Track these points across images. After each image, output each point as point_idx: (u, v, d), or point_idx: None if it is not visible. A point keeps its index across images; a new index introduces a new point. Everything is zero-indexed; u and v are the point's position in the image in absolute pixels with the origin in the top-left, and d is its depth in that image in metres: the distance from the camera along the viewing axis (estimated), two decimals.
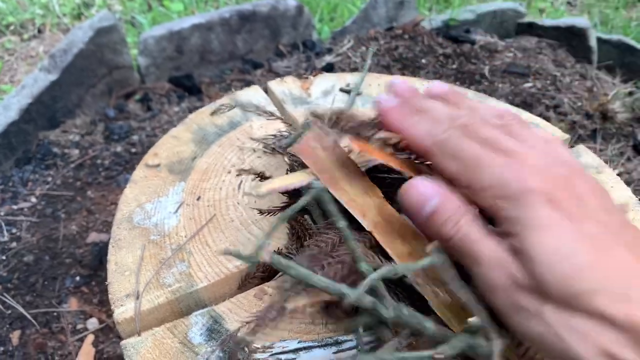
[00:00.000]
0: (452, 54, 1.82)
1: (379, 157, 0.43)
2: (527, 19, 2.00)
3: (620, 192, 0.58)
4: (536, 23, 1.93)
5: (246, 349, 0.44)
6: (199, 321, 0.49)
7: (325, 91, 0.73)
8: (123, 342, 0.48)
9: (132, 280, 0.52)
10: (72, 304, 1.17)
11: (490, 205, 0.35)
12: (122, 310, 0.50)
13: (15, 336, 1.10)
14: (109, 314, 1.15)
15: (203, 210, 0.58)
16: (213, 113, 0.60)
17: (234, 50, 1.72)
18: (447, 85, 0.45)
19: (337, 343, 0.45)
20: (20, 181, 1.33)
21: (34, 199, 1.31)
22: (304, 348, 0.45)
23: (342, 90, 0.72)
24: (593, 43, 1.80)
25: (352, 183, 0.46)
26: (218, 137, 0.67)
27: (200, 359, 0.45)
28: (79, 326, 1.13)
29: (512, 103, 1.56)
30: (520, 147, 0.37)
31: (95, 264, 1.22)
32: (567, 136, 0.65)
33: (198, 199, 0.59)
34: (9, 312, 1.13)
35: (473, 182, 0.36)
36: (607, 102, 1.66)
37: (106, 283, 0.53)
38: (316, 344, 0.45)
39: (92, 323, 1.14)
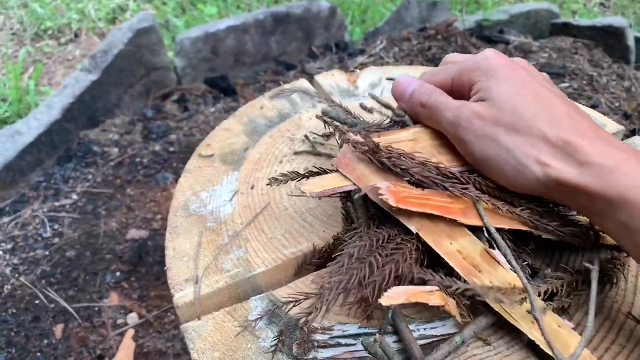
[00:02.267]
0: None
1: (414, 206, 0.45)
2: (561, 20, 1.98)
3: None
4: (571, 23, 1.90)
5: (305, 328, 0.45)
6: (259, 305, 0.49)
7: (372, 84, 0.74)
8: (184, 326, 0.49)
9: (190, 265, 0.53)
10: (113, 299, 1.19)
11: (469, 79, 0.47)
12: (182, 295, 0.51)
13: (58, 330, 1.12)
14: (149, 309, 1.17)
15: (257, 199, 0.59)
16: (273, 96, 0.60)
17: (268, 52, 1.74)
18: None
19: (396, 332, 0.45)
20: (62, 179, 1.36)
21: (75, 196, 1.33)
22: (365, 334, 0.45)
23: (389, 79, 0.72)
24: (631, 42, 1.77)
25: None
26: (269, 128, 0.67)
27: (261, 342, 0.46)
28: (120, 321, 1.15)
29: None
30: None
31: (135, 260, 1.24)
32: (622, 128, 0.64)
33: (252, 187, 0.60)
34: (53, 306, 1.15)
35: (464, 67, 0.48)
36: None
37: (165, 269, 0.54)
38: (376, 330, 0.45)
39: (132, 318, 1.16)
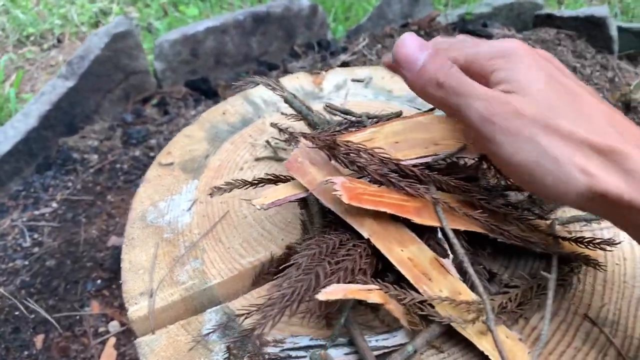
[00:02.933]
0: None
1: (367, 203, 0.43)
2: (544, 11, 1.97)
3: None
4: (554, 14, 1.89)
5: (257, 341, 0.44)
6: (213, 318, 0.48)
7: (337, 85, 0.73)
8: (137, 340, 0.48)
9: (145, 278, 0.52)
10: (94, 307, 1.17)
11: (487, 66, 0.40)
12: (136, 309, 0.50)
13: (39, 340, 1.11)
14: None
15: (216, 208, 0.58)
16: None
17: (248, 52, 1.72)
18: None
19: (350, 344, 0.44)
20: (41, 187, 1.34)
21: (55, 204, 1.32)
22: (316, 346, 0.45)
23: (354, 80, 0.71)
24: (614, 32, 1.76)
25: None
26: (230, 134, 0.66)
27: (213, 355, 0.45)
28: (101, 329, 1.14)
29: None
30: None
31: (116, 267, 1.22)
32: None
33: (211, 196, 0.59)
34: (33, 316, 1.14)
35: (481, 51, 0.41)
36: (629, 92, 1.63)
37: (120, 282, 0.53)
38: (328, 342, 0.44)
39: (114, 326, 1.15)
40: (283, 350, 0.44)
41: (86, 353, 1.10)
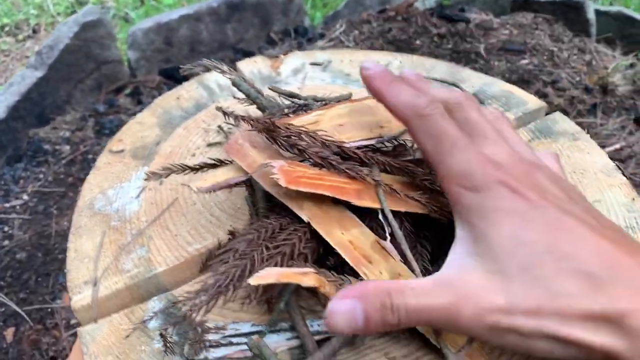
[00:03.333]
0: (446, 34, 1.79)
1: (305, 186, 0.42)
2: None
3: (597, 157, 0.56)
4: None
5: (199, 329, 0.43)
6: (157, 305, 0.48)
7: (295, 69, 0.72)
8: (79, 330, 0.47)
9: (90, 267, 0.51)
10: (66, 300, 1.16)
11: (454, 191, 0.36)
12: (80, 298, 0.49)
13: (9, 333, 1.10)
14: None
15: (165, 195, 0.57)
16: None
17: (224, 39, 1.70)
18: (414, 72, 0.46)
19: (292, 329, 0.44)
20: (12, 179, 1.33)
21: (25, 197, 1.31)
22: (257, 332, 0.44)
23: (312, 64, 0.70)
24: (591, 15, 1.76)
25: None
26: (183, 120, 0.65)
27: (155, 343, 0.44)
28: (73, 321, 1.13)
29: (508, 80, 1.52)
30: (498, 137, 0.38)
31: None
32: (543, 104, 0.63)
33: (160, 183, 0.58)
34: (3, 309, 1.13)
35: (443, 165, 0.37)
36: (607, 76, 1.63)
37: (64, 271, 0.52)
38: (266, 328, 0.44)
39: None
40: (224, 337, 0.44)
41: (58, 345, 1.09)
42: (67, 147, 1.39)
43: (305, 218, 0.43)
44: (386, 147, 0.49)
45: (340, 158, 0.45)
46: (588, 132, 0.59)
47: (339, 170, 0.44)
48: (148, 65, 1.61)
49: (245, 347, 0.43)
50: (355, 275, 0.42)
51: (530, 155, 0.39)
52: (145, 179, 0.46)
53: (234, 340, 0.43)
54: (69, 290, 0.50)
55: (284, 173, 0.42)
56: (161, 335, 0.41)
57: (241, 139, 0.45)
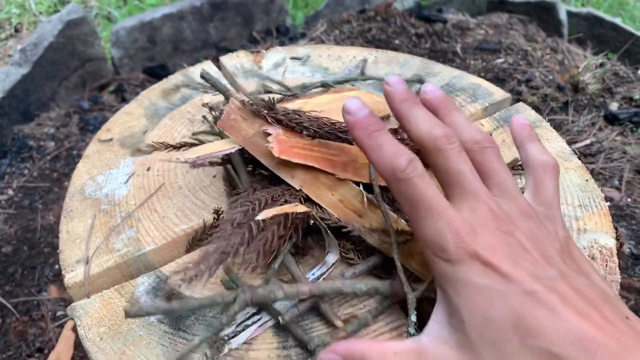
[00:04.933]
0: (424, 34, 1.83)
1: (296, 157, 0.46)
2: None
3: (556, 143, 0.60)
4: (507, 0, 1.94)
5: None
6: (145, 281, 0.51)
7: (276, 63, 0.75)
8: (72, 305, 0.50)
9: (82, 247, 0.54)
10: (52, 292, 1.18)
11: (430, 259, 0.36)
12: (72, 275, 0.52)
13: None
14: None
15: (153, 180, 0.60)
16: (166, 94, 0.62)
17: (207, 38, 1.73)
18: (440, 91, 0.44)
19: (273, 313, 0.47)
20: None
21: (10, 192, 1.32)
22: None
23: (292, 58, 0.74)
24: (563, 16, 1.82)
25: None
26: (169, 111, 0.68)
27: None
28: (59, 313, 1.15)
29: (484, 78, 1.57)
30: (480, 188, 0.37)
31: None
32: (508, 95, 0.67)
33: (148, 169, 0.61)
34: None
35: (419, 231, 0.37)
36: (578, 74, 1.69)
37: (57, 251, 0.55)
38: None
39: None
40: (237, 325, 0.46)
41: (44, 337, 1.11)
42: (52, 144, 1.41)
43: (297, 186, 0.47)
44: None
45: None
46: (560, 129, 0.63)
47: (334, 138, 0.48)
48: (132, 63, 1.64)
49: (260, 322, 0.46)
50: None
51: (513, 202, 0.38)
52: (131, 155, 0.49)
53: (248, 322, 0.46)
54: (61, 269, 0.53)
55: (278, 142, 0.46)
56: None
57: (233, 115, 0.49)
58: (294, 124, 0.49)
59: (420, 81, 0.67)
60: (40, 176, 1.36)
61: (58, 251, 0.55)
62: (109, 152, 0.64)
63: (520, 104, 0.66)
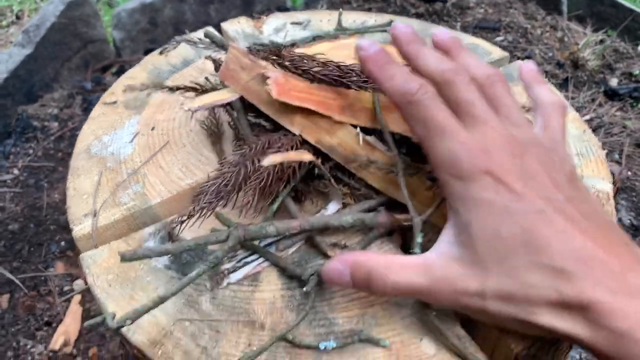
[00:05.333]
0: (424, 13, 1.84)
1: (294, 99, 0.47)
2: None
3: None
4: None
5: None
6: (152, 231, 0.52)
7: (276, 28, 0.76)
8: (81, 255, 0.51)
9: (89, 201, 0.55)
10: (59, 268, 1.20)
11: (442, 178, 0.37)
12: (80, 228, 0.53)
13: (4, 300, 1.14)
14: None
15: (157, 139, 0.61)
16: (161, 52, 0.63)
17: (207, 20, 1.74)
18: (449, 34, 0.45)
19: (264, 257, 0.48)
20: (2, 155, 1.36)
21: (16, 171, 1.34)
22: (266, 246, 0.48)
23: (293, 23, 0.75)
24: None
25: None
26: (172, 74, 0.69)
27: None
28: (66, 288, 1.17)
29: None
30: (490, 116, 0.38)
31: None
32: (506, 54, 0.68)
33: (152, 129, 0.62)
34: None
35: (431, 152, 0.37)
36: (577, 51, 1.69)
37: (65, 207, 0.56)
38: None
39: (79, 284, 1.18)
40: (238, 260, 0.48)
41: (52, 311, 1.13)
42: (56, 124, 1.42)
43: (296, 132, 0.48)
44: None
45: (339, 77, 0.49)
46: None
47: (340, 84, 0.49)
48: (133, 45, 1.64)
49: (260, 261, 0.47)
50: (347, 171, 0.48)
51: (523, 130, 0.38)
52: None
53: (248, 259, 0.48)
54: (69, 223, 0.54)
55: (276, 85, 0.47)
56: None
57: (232, 65, 0.50)
58: (300, 70, 0.49)
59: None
60: (45, 156, 1.37)
61: (66, 207, 0.56)
62: (113, 114, 0.65)
63: (518, 62, 0.66)
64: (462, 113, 0.38)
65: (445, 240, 0.37)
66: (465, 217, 0.35)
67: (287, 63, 0.49)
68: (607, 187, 0.50)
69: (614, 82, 1.66)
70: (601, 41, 1.75)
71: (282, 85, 0.47)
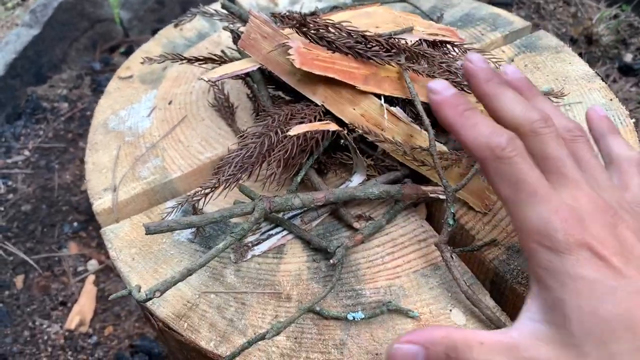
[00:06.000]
0: None
1: (318, 69, 0.45)
2: None
3: (578, 66, 0.60)
4: None
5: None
6: (174, 205, 0.51)
7: (292, 1, 0.75)
8: (102, 229, 0.51)
9: (109, 176, 0.55)
10: (72, 249, 1.20)
11: (530, 247, 0.33)
12: (101, 202, 0.53)
13: (19, 280, 1.14)
14: (108, 255, 1.18)
15: (175, 113, 0.60)
16: (176, 25, 0.62)
17: None
18: (522, 74, 0.41)
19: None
20: (13, 136, 1.35)
21: (27, 152, 1.33)
22: (290, 218, 0.48)
23: None
24: None
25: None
26: (187, 48, 0.68)
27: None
28: (80, 268, 1.17)
29: None
30: (579, 177, 0.34)
31: (92, 210, 1.25)
32: (528, 24, 0.66)
33: (170, 103, 0.61)
34: (11, 258, 1.17)
35: (518, 216, 0.34)
36: (591, 26, 1.66)
37: (85, 181, 0.56)
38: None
39: (92, 264, 1.18)
40: (262, 233, 0.47)
41: (67, 291, 1.13)
42: (65, 105, 1.41)
43: (319, 102, 0.47)
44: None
45: (364, 46, 0.48)
46: None
47: (365, 58, 0.48)
48: (141, 25, 1.63)
49: (284, 233, 0.47)
50: (371, 145, 0.47)
51: (612, 193, 0.35)
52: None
53: (272, 232, 0.47)
54: (89, 197, 0.54)
55: (299, 54, 0.46)
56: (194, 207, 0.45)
57: (253, 34, 0.48)
58: (324, 41, 0.48)
59: (440, 13, 0.67)
60: (55, 137, 1.37)
61: (85, 181, 0.56)
62: (129, 89, 0.64)
63: (542, 31, 0.65)
64: (550, 170, 0.34)
65: (530, 317, 0.33)
66: (558, 293, 0.31)
67: (312, 32, 0.48)
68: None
69: (628, 57, 1.63)
70: (615, 16, 1.72)
71: (304, 55, 0.46)
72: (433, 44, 0.52)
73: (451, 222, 0.41)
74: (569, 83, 0.57)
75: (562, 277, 0.31)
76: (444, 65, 0.48)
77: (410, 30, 0.50)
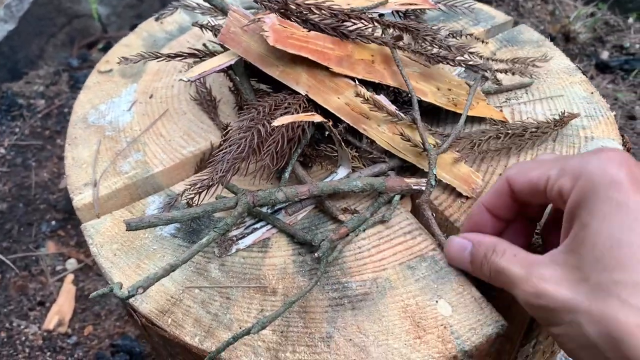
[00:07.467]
0: None
1: (291, 47, 0.45)
2: None
3: (560, 60, 0.60)
4: None
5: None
6: (156, 200, 0.51)
7: None
8: (83, 225, 0.50)
9: (89, 171, 0.54)
10: (50, 247, 1.18)
11: (566, 189, 0.34)
12: (81, 198, 0.52)
13: None
14: (88, 254, 1.17)
15: (156, 107, 0.59)
16: (157, 18, 0.61)
17: None
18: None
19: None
20: None
21: (2, 150, 1.31)
22: (271, 213, 0.47)
23: None
24: None
25: (279, 56, 0.48)
26: (168, 41, 0.67)
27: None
28: (59, 267, 1.15)
29: None
30: None
31: (70, 208, 1.22)
32: (510, 18, 0.67)
33: (150, 97, 0.60)
34: None
35: (566, 166, 0.35)
36: (568, 24, 1.68)
37: (64, 176, 0.54)
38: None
39: (71, 263, 1.16)
40: (246, 227, 0.47)
41: (45, 290, 1.11)
42: (42, 102, 1.39)
43: (302, 92, 0.47)
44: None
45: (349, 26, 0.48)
46: None
47: (349, 38, 0.48)
48: (120, 21, 1.61)
49: (269, 227, 0.46)
50: (356, 133, 0.46)
51: None
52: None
53: (257, 225, 0.47)
54: (69, 192, 0.53)
55: (274, 32, 0.45)
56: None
57: (233, 27, 0.48)
58: (310, 23, 0.48)
59: None
60: (32, 134, 1.34)
61: (65, 176, 0.54)
62: (109, 83, 0.63)
63: (523, 25, 0.66)
64: None
65: (558, 249, 0.34)
66: (585, 219, 0.32)
67: (295, 15, 0.47)
68: (618, 147, 0.50)
69: (605, 55, 1.65)
70: (592, 14, 1.74)
71: (279, 32, 0.45)
72: (405, 14, 0.53)
73: (433, 182, 0.44)
74: (550, 76, 0.58)
75: (593, 196, 0.32)
76: (428, 38, 0.48)
77: (385, 3, 0.50)
